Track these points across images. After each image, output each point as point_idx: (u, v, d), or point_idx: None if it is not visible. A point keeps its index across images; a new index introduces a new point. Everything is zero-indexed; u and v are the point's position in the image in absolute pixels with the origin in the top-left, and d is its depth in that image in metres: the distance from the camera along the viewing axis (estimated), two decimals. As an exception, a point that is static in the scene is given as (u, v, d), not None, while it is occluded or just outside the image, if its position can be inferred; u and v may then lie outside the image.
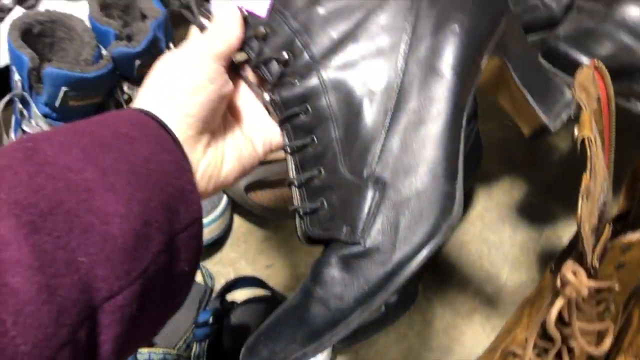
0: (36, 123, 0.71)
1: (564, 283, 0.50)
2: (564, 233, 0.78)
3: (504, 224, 0.78)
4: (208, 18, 0.44)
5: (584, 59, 0.57)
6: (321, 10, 0.43)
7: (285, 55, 0.42)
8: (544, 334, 0.57)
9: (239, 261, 0.78)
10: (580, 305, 0.52)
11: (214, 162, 0.43)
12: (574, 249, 0.54)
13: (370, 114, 0.42)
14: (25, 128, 0.72)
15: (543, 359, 0.56)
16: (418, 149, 0.41)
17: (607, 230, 0.52)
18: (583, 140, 0.49)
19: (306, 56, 0.43)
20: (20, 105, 0.72)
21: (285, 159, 0.45)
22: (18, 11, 0.84)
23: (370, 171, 0.41)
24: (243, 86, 0.46)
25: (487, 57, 0.43)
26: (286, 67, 0.43)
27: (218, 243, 0.79)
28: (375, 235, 0.40)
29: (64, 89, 0.67)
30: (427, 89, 0.42)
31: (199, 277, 0.70)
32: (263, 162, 0.80)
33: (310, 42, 0.43)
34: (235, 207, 0.80)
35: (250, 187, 0.77)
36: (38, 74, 0.68)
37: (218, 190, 0.45)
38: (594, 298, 0.52)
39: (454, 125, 0.41)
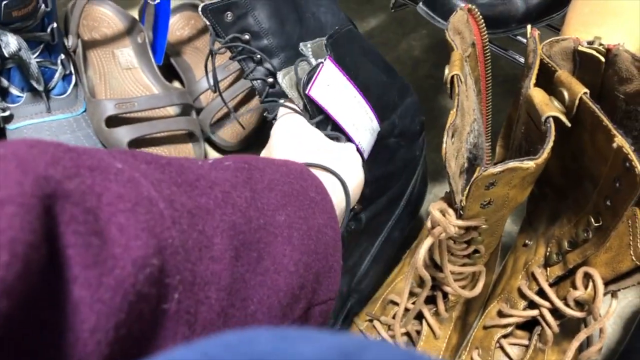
0: None
1: (434, 223, 0.50)
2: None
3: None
4: None
5: (462, 5, 0.57)
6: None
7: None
8: (421, 281, 0.57)
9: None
10: (450, 248, 0.53)
11: None
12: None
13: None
14: None
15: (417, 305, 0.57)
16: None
17: (478, 172, 0.52)
18: (452, 79, 0.49)
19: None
20: None
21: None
22: None
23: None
24: None
25: None
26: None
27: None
28: None
29: None
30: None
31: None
32: (148, 119, 0.78)
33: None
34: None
35: (133, 143, 0.74)
36: None
37: None
38: (463, 239, 0.52)
39: None
